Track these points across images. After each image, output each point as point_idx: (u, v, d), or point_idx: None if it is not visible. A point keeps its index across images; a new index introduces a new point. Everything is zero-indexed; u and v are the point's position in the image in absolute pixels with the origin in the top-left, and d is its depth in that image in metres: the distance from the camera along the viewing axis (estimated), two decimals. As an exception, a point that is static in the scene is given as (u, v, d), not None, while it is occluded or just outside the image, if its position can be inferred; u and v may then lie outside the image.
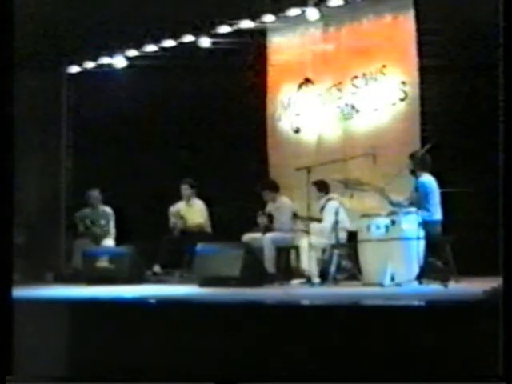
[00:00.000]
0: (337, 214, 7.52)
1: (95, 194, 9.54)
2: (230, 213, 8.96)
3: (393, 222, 6.72)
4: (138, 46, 10.12)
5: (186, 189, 8.99)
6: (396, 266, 6.55)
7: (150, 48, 10.06)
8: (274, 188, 8.41)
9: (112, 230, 9.55)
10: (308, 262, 7.41)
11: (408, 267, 6.51)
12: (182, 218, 8.91)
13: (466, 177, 7.50)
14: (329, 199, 7.91)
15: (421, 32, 8.23)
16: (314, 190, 7.84)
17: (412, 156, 7.02)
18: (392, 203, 7.07)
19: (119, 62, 10.31)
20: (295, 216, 7.87)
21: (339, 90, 8.97)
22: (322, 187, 7.94)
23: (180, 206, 9.04)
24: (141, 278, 8.29)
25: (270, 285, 7.37)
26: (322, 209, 7.89)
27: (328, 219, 7.68)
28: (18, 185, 4.25)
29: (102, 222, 9.50)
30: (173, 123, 9.95)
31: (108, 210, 9.58)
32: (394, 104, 8.52)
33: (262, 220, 8.29)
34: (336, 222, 7.47)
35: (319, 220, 7.76)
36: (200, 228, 8.83)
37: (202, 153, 9.64)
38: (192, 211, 8.97)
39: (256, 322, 4.29)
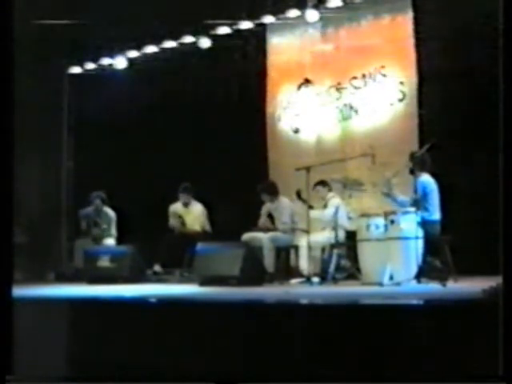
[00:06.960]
0: (337, 211, 7.56)
1: (99, 195, 9.49)
2: (229, 212, 8.96)
3: (392, 222, 6.73)
4: (138, 47, 10.15)
5: (183, 196, 8.99)
6: (395, 266, 6.55)
7: (151, 49, 10.09)
8: (273, 192, 8.35)
9: (113, 232, 9.53)
10: (307, 261, 7.46)
11: (407, 266, 6.51)
12: (180, 217, 8.93)
13: (466, 176, 7.52)
14: (332, 196, 7.98)
15: (419, 33, 8.26)
16: (318, 190, 7.94)
17: (411, 156, 7.03)
18: (397, 202, 7.08)
19: (120, 62, 10.34)
20: (299, 196, 7.82)
21: (338, 90, 9.01)
22: (326, 185, 8.01)
23: (178, 207, 9.05)
24: (141, 277, 8.31)
25: (269, 284, 7.38)
26: (325, 206, 7.95)
27: (329, 210, 7.75)
28: (19, 184, 4.25)
29: (104, 224, 9.47)
30: (173, 123, 9.97)
31: (110, 212, 9.53)
32: (392, 104, 8.56)
33: (262, 219, 8.31)
34: (336, 212, 7.52)
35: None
36: (197, 234, 8.82)
37: (202, 153, 9.65)
38: (191, 217, 8.97)
39: (256, 321, 4.30)
